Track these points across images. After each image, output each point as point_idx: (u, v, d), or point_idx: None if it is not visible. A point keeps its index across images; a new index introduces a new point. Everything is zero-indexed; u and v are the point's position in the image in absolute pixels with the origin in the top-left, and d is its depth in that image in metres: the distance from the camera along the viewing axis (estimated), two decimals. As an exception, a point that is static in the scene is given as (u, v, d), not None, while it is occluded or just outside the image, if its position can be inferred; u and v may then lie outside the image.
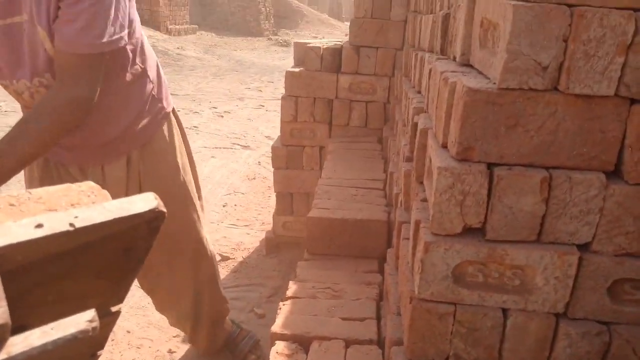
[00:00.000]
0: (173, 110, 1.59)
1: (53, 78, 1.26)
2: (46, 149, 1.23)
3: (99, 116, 1.33)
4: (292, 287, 1.49)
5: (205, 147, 4.90)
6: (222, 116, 6.13)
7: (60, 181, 1.45)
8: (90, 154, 1.44)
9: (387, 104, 2.71)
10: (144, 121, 1.46)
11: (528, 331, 0.92)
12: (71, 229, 0.40)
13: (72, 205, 0.49)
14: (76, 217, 0.41)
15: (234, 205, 3.68)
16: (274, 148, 2.82)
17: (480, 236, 0.90)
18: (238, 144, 5.09)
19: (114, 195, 0.49)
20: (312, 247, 1.78)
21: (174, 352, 2.14)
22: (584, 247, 0.89)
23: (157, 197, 0.51)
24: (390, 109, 2.68)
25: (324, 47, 2.68)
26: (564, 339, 0.91)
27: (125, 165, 1.47)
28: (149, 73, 1.45)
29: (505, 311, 0.93)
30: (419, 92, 1.58)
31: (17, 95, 1.29)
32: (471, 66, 1.01)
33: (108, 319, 0.65)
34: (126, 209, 0.45)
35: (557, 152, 0.85)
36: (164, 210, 0.52)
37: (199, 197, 1.71)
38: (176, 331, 2.17)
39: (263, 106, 6.74)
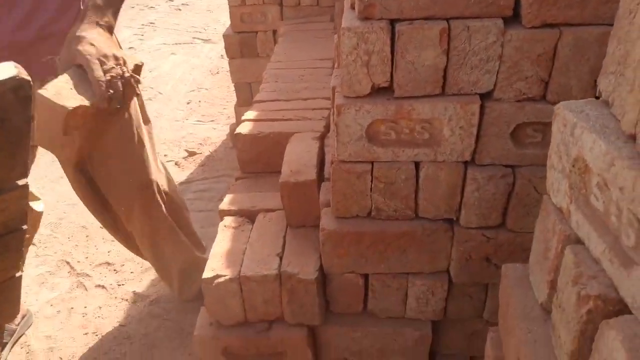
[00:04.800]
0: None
1: None
2: None
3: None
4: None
5: (164, 43, 4.71)
6: (179, 9, 5.81)
7: None
8: None
9: (337, -22, 2.59)
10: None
11: (439, 180, 0.99)
12: None
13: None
14: None
15: (199, 102, 3.64)
16: (225, 36, 2.73)
17: (390, 94, 0.93)
18: (199, 38, 4.89)
19: None
20: (245, 167, 1.56)
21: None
22: (487, 96, 0.93)
23: (18, 66, 0.53)
24: (340, -17, 2.57)
25: None
26: (472, 184, 0.99)
27: None
28: None
29: (417, 164, 0.99)
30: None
31: None
32: None
33: (17, 192, 0.69)
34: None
35: (456, 1, 0.85)
36: (27, 77, 0.54)
37: (147, 121, 1.53)
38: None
39: (223, -5, 6.38)
